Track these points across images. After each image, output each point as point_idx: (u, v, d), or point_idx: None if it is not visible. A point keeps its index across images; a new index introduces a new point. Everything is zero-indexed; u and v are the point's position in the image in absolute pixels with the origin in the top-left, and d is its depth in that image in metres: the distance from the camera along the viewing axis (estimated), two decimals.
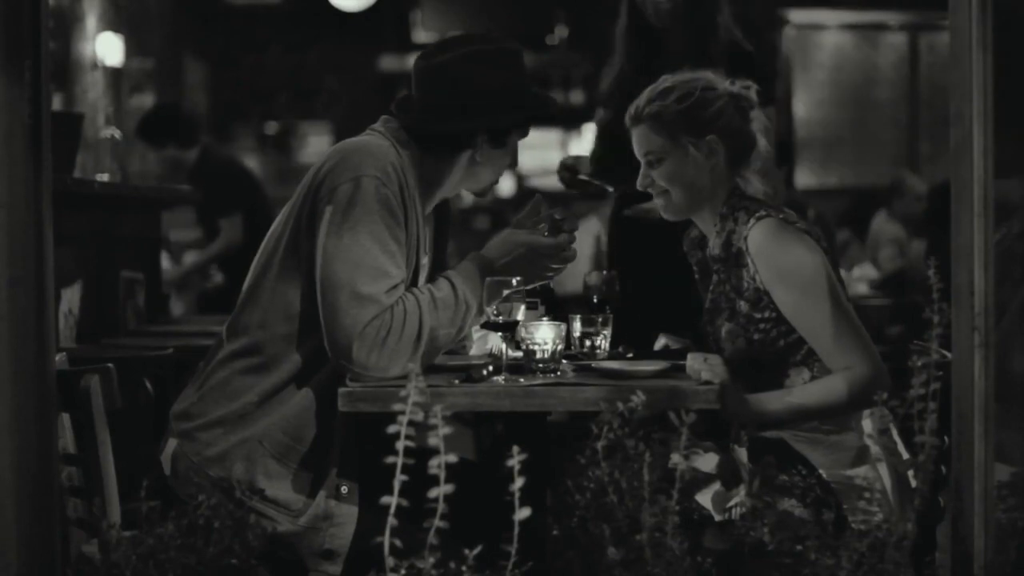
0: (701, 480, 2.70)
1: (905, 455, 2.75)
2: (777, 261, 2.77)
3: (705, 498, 2.65)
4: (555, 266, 2.83)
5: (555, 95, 3.79)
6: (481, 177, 2.90)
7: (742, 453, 2.81)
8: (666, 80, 2.92)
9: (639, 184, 2.95)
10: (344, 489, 2.68)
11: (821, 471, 2.72)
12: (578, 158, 4.00)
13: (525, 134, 2.90)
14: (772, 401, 2.77)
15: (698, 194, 2.89)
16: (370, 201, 2.66)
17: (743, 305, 2.82)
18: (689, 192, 2.89)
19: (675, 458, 2.30)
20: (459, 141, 2.83)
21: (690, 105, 2.86)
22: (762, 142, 2.93)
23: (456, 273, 2.74)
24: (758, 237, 2.79)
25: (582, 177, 3.93)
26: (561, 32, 11.16)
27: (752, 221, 2.81)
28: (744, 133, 2.90)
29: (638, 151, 2.93)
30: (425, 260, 2.92)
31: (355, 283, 2.62)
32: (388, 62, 11.22)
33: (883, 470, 2.71)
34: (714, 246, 2.89)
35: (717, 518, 2.60)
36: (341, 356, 2.62)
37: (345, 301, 2.61)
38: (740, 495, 2.62)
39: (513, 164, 2.93)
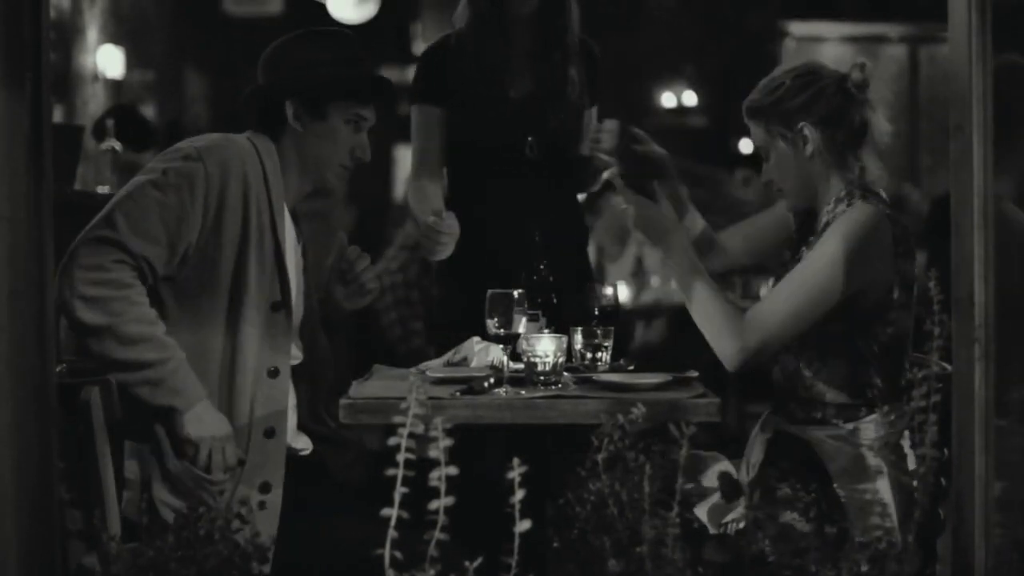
0: (701, 492, 2.70)
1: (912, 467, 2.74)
2: (836, 234, 2.73)
3: (702, 511, 2.65)
4: None
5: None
6: (312, 158, 2.88)
7: (759, 446, 2.81)
8: (774, 71, 2.91)
9: (762, 179, 2.95)
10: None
11: (835, 482, 2.70)
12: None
13: (352, 112, 2.89)
14: (689, 267, 2.79)
15: (805, 184, 2.87)
16: (155, 170, 2.74)
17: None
18: (796, 183, 2.87)
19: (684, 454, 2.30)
20: (277, 115, 2.86)
21: (779, 97, 2.85)
22: (879, 121, 2.88)
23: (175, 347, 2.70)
24: (849, 212, 2.76)
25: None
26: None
27: (858, 201, 2.79)
28: (847, 115, 2.85)
29: (755, 147, 2.94)
30: (298, 245, 2.95)
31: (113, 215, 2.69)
32: (388, 74, 11.20)
33: (883, 483, 2.71)
34: (820, 222, 2.87)
35: (712, 531, 2.60)
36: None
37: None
38: (738, 510, 2.62)
39: (362, 151, 2.92)
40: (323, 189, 2.96)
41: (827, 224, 2.81)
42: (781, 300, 2.73)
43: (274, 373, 2.77)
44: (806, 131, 2.83)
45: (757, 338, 2.71)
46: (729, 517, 2.62)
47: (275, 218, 2.79)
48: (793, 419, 2.83)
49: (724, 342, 2.73)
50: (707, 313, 2.75)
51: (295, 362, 2.88)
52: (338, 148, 2.89)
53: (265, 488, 2.71)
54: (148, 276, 2.70)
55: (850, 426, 2.77)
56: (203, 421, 2.67)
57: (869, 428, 2.77)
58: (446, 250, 3.25)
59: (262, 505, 2.69)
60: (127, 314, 2.63)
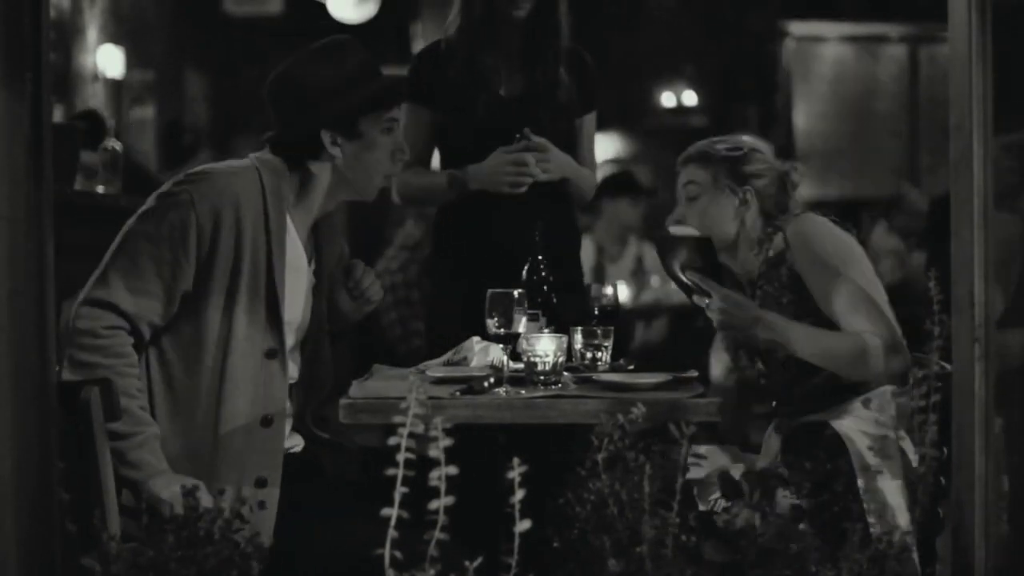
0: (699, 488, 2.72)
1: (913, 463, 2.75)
2: (810, 240, 2.92)
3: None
4: None
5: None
6: (357, 175, 2.84)
7: (773, 443, 2.83)
8: (718, 137, 3.15)
9: (673, 218, 3.10)
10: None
11: (857, 475, 2.71)
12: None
13: (386, 119, 2.84)
14: (793, 326, 2.85)
15: (725, 237, 3.04)
16: (148, 220, 2.71)
17: (789, 297, 2.90)
18: (717, 232, 3.03)
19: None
20: (310, 143, 2.80)
21: (738, 157, 3.08)
22: (793, 185, 3.11)
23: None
24: (797, 227, 2.96)
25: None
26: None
27: (791, 219, 2.99)
28: (780, 201, 3.08)
29: (680, 183, 3.11)
30: (310, 266, 2.90)
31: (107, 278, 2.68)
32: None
33: (885, 481, 2.70)
34: (757, 268, 3.02)
35: (700, 507, 2.63)
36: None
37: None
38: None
39: (400, 153, 2.88)
40: (366, 200, 2.94)
41: (772, 258, 2.97)
42: (867, 304, 2.85)
43: (267, 422, 2.73)
44: (748, 196, 3.04)
45: (897, 337, 2.82)
46: (716, 495, 2.65)
47: (272, 260, 2.74)
48: (810, 408, 2.86)
49: (890, 363, 2.81)
50: (854, 356, 2.82)
51: (290, 381, 2.84)
52: (382, 159, 2.84)
53: (257, 545, 2.65)
54: (146, 333, 2.69)
55: (873, 415, 2.80)
56: (168, 481, 2.63)
57: (882, 398, 2.80)
58: (526, 181, 3.44)
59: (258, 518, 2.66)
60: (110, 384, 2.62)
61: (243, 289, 2.72)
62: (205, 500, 2.56)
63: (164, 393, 2.72)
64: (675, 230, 3.03)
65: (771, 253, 2.98)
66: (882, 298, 2.88)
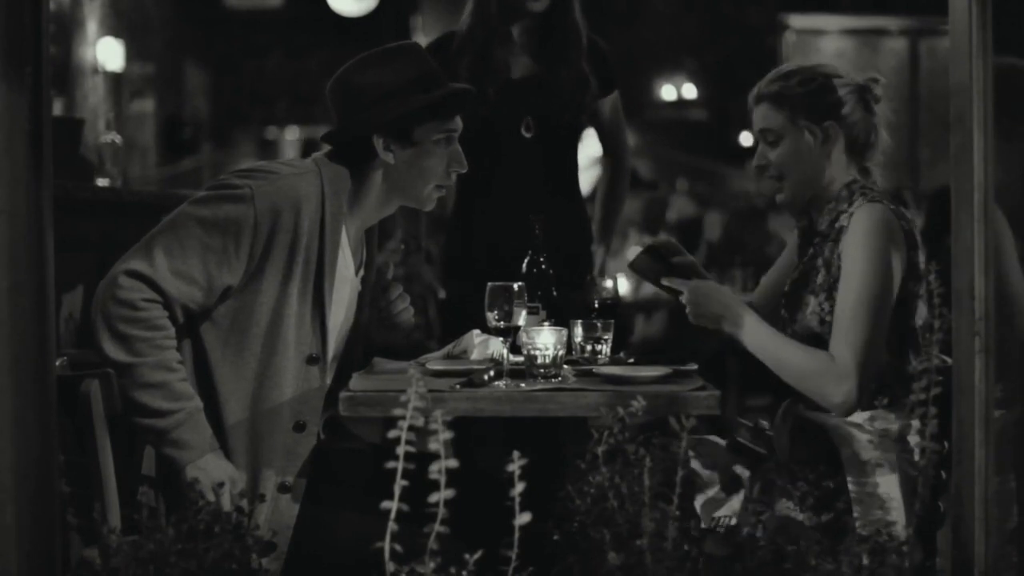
0: (699, 482, 2.71)
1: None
2: (862, 242, 2.76)
3: (696, 503, 2.67)
4: None
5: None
6: (408, 183, 2.83)
7: (785, 436, 2.81)
8: (790, 64, 2.94)
9: (754, 162, 2.97)
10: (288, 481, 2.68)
11: (847, 472, 2.71)
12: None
13: (442, 129, 2.82)
14: (756, 325, 2.80)
15: (811, 181, 2.90)
16: (204, 205, 2.68)
17: (828, 281, 2.83)
18: (803, 177, 2.90)
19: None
20: (364, 147, 2.79)
21: (812, 89, 2.89)
22: (884, 136, 2.96)
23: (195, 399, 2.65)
24: (862, 215, 2.79)
25: None
26: None
27: (864, 202, 2.82)
28: (866, 124, 2.93)
29: (756, 128, 2.96)
30: (357, 275, 2.89)
31: (152, 247, 2.64)
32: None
33: (892, 476, 2.70)
34: (822, 221, 2.90)
35: (703, 524, 2.61)
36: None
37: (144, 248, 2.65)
38: (729, 505, 2.63)
39: (457, 166, 2.86)
40: (423, 209, 2.93)
41: (836, 229, 2.83)
42: (851, 326, 2.73)
43: (299, 427, 2.71)
44: (831, 131, 2.89)
45: (854, 371, 2.70)
46: (721, 512, 2.64)
47: (323, 267, 2.72)
48: (812, 405, 2.84)
49: (829, 390, 2.71)
50: (799, 372, 2.75)
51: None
52: (434, 169, 2.83)
53: (269, 547, 2.62)
54: (180, 316, 2.66)
55: (867, 414, 2.77)
56: (205, 469, 2.61)
57: (885, 417, 2.78)
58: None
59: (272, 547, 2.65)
60: (149, 356, 2.60)
61: (293, 293, 2.70)
62: (237, 498, 2.56)
63: (198, 385, 2.69)
64: (630, 251, 2.97)
65: (842, 217, 2.83)
66: (877, 326, 2.73)
